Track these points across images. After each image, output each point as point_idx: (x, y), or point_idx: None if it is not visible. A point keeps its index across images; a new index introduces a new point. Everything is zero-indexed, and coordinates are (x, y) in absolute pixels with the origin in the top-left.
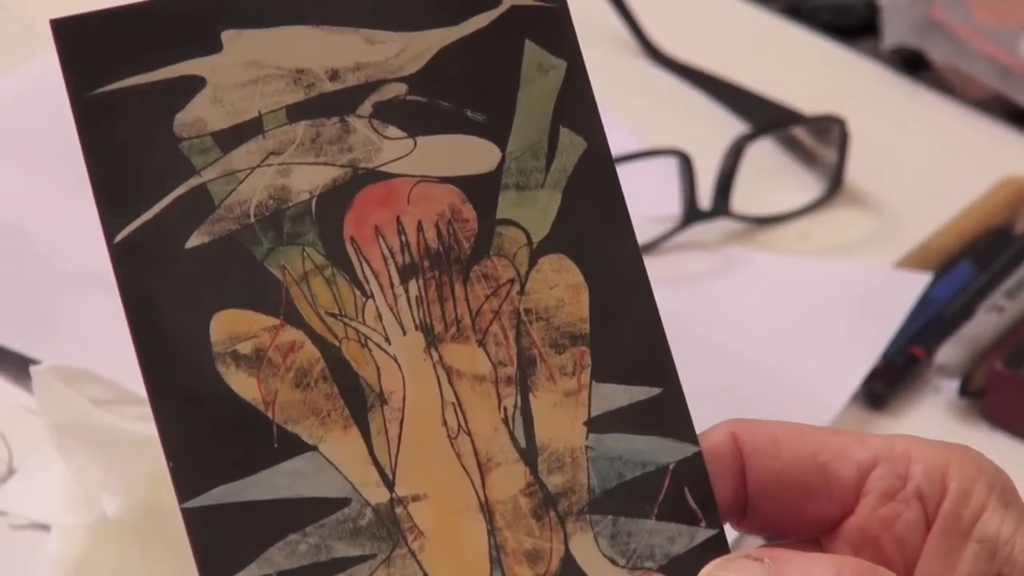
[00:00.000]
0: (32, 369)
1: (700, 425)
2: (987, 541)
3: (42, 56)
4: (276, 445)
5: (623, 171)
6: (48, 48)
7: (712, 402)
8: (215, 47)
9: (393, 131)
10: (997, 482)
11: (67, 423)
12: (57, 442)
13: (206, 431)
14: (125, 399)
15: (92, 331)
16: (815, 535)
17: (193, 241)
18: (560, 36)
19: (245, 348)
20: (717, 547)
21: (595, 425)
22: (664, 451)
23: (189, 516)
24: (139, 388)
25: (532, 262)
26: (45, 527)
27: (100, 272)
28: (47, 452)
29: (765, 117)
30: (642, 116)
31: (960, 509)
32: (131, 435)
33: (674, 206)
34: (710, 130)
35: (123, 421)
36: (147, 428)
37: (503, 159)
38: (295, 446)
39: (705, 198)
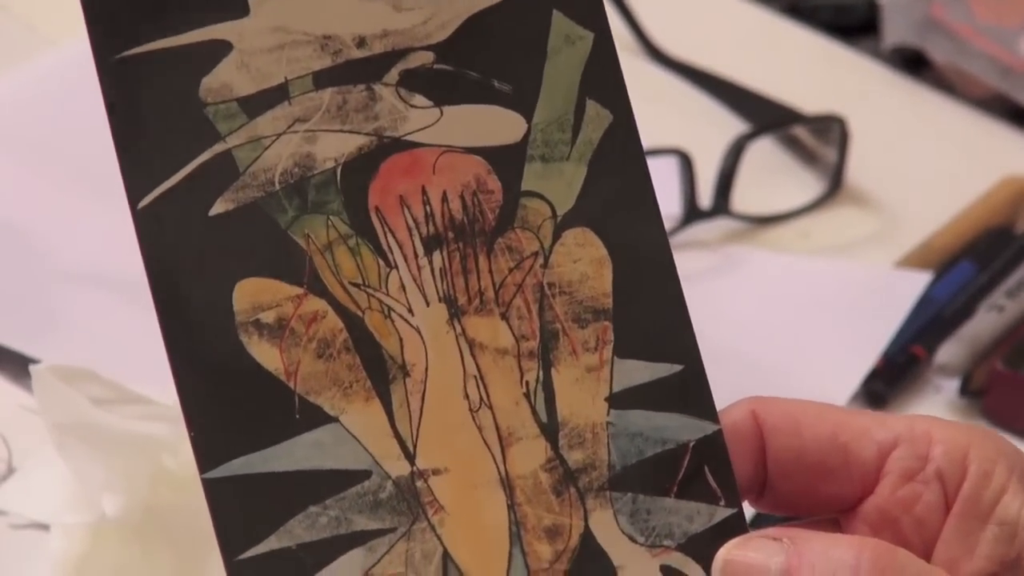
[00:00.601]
0: (32, 368)
1: None
2: (1007, 523)
3: (42, 56)
4: (298, 416)
5: None
6: (49, 48)
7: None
8: (243, 11)
9: (419, 100)
10: (1017, 464)
11: (67, 422)
12: (57, 441)
13: (227, 401)
14: (125, 398)
15: (92, 330)
16: (834, 515)
17: (217, 208)
18: (588, 7)
19: (268, 317)
20: (736, 526)
21: (616, 401)
22: (685, 429)
23: (209, 487)
24: (140, 387)
25: (556, 235)
26: (45, 526)
27: (100, 271)
28: (47, 451)
29: (765, 116)
30: (642, 115)
31: (980, 491)
32: (131, 434)
33: (674, 205)
34: (710, 129)
35: (123, 420)
36: (147, 427)
37: (529, 130)
38: (317, 417)
39: (705, 197)
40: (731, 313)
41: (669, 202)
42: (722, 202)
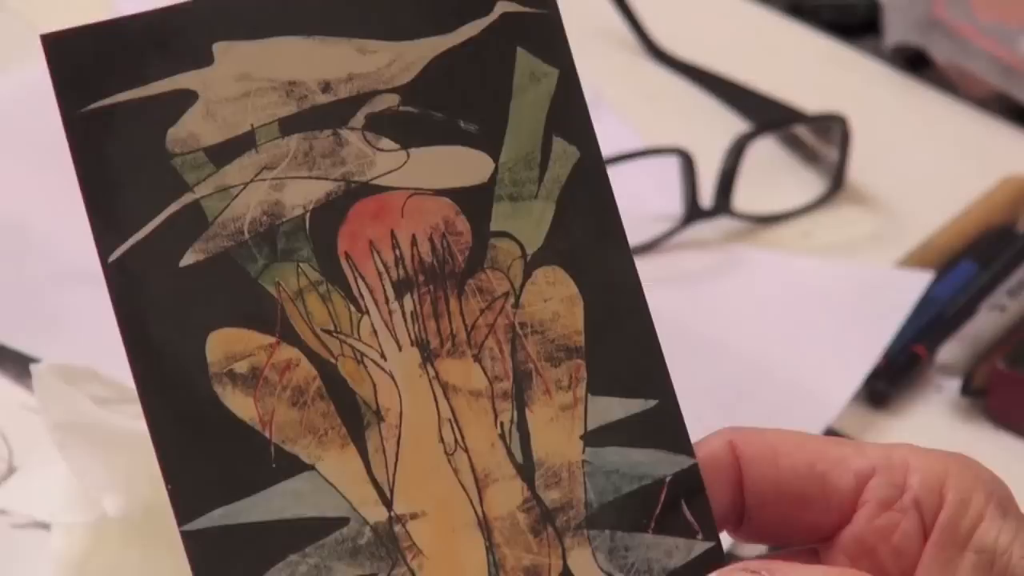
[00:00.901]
0: (33, 367)
1: (701, 424)
2: (985, 551)
3: (42, 55)
4: (274, 465)
5: (624, 170)
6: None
7: (713, 401)
8: (207, 60)
9: (386, 143)
10: (995, 491)
11: (68, 422)
12: (58, 441)
13: (204, 452)
14: (126, 398)
15: (93, 329)
16: (812, 544)
17: (187, 259)
18: (552, 43)
19: (241, 367)
20: (714, 560)
21: (591, 439)
22: (660, 464)
23: (189, 539)
24: None
25: (527, 274)
26: (46, 526)
27: (101, 271)
28: (48, 451)
29: (767, 115)
30: (643, 114)
31: (958, 519)
32: (132, 434)
33: (675, 205)
34: (711, 128)
35: (124, 420)
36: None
37: (496, 170)
38: (293, 466)
39: (706, 196)
40: (732, 312)
41: (670, 201)
42: (723, 201)
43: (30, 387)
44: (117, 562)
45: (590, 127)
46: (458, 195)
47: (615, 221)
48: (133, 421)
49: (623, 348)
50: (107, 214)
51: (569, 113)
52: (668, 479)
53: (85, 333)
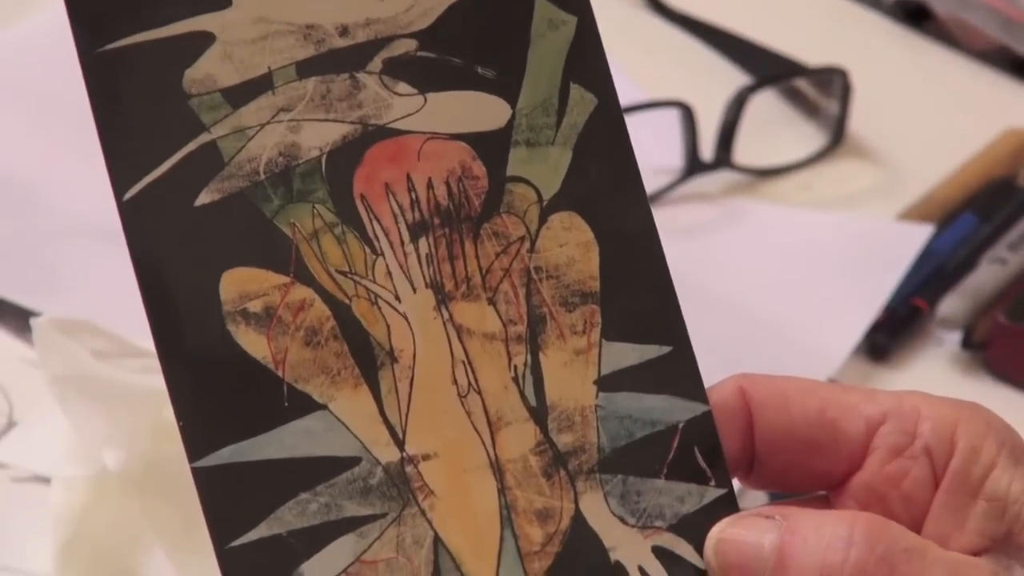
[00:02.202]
0: (33, 321)
1: (702, 375)
2: (996, 499)
3: (45, 8)
4: (286, 404)
5: (626, 122)
6: (52, 0)
7: (714, 354)
8: (225, 2)
9: (403, 87)
10: (1007, 440)
11: (68, 375)
12: (58, 394)
13: (216, 390)
14: (126, 351)
15: (93, 283)
16: (823, 491)
17: (202, 199)
18: None
19: (255, 306)
20: (727, 506)
21: (605, 384)
22: (674, 410)
23: (199, 476)
24: (141, 340)
25: (542, 219)
26: (46, 480)
27: (101, 224)
28: (48, 405)
29: (767, 68)
30: (644, 67)
31: (969, 466)
32: (132, 387)
33: (676, 158)
34: (712, 81)
35: (124, 373)
36: (148, 380)
37: (513, 116)
38: (305, 405)
39: (707, 150)
40: (733, 265)
41: (671, 154)
42: (724, 154)
43: (30, 341)
44: (117, 515)
45: (608, 75)
46: (475, 140)
47: (632, 167)
48: (133, 375)
49: (638, 294)
50: (122, 153)
51: (587, 60)
52: (681, 425)
53: (85, 287)
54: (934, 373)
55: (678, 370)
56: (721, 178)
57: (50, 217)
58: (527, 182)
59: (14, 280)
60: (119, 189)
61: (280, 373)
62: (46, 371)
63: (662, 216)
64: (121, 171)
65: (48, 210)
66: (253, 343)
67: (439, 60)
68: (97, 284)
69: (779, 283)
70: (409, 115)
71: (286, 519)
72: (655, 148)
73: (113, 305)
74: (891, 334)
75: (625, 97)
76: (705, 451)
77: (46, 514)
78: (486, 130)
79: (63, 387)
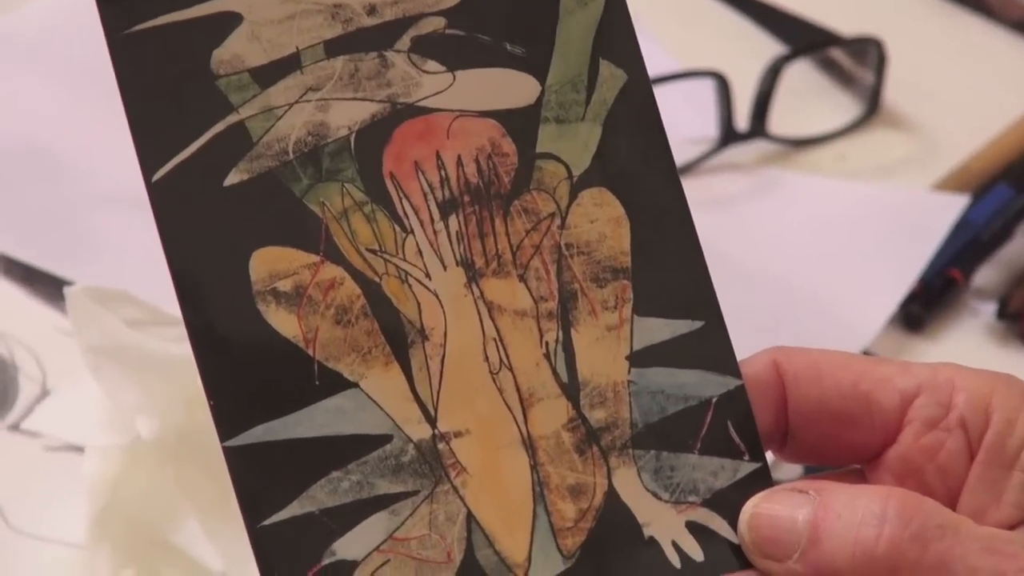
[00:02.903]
0: (66, 290)
1: (736, 349)
2: None
3: None
4: (317, 382)
5: (659, 92)
6: None
7: (748, 325)
8: None
9: (432, 65)
10: None
11: (101, 344)
12: (91, 363)
13: (247, 370)
14: (160, 320)
15: (127, 252)
16: (857, 464)
17: (231, 179)
18: None
19: (285, 285)
20: (761, 480)
21: (637, 359)
22: (707, 385)
23: (231, 455)
24: (174, 309)
25: (573, 196)
26: (79, 448)
27: (135, 193)
28: (81, 373)
29: (803, 38)
30: (679, 38)
31: (1004, 438)
32: (166, 356)
33: (711, 128)
34: (747, 51)
35: (158, 342)
36: (182, 349)
37: (543, 92)
38: (336, 383)
39: (742, 120)
40: (767, 236)
41: (705, 125)
42: (759, 124)
43: (63, 310)
44: (150, 484)
45: (637, 50)
46: (504, 117)
47: (662, 143)
48: (166, 344)
49: (670, 269)
50: (151, 135)
51: (616, 36)
52: (714, 400)
53: (119, 256)
54: (969, 344)
55: (711, 344)
56: (756, 148)
57: (83, 186)
58: (557, 159)
59: (48, 249)
60: (148, 170)
61: (311, 352)
62: (80, 340)
63: (696, 186)
64: (149, 153)
65: (81, 179)
66: (283, 322)
67: (468, 37)
68: (131, 253)
69: (814, 254)
70: (438, 93)
71: (318, 497)
72: (690, 118)
73: (146, 274)
74: (926, 305)
75: (660, 67)
76: (738, 425)
77: (79, 483)
78: (515, 107)
79: (97, 356)
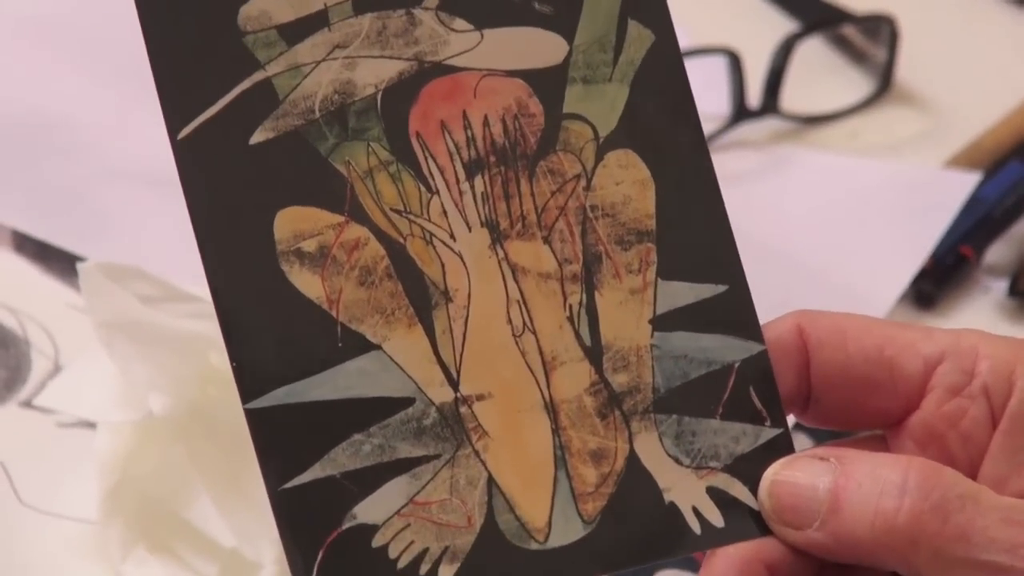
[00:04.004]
0: (79, 266)
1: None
2: None
3: None
4: (340, 344)
5: None
6: None
7: (760, 302)
8: None
9: (460, 23)
10: None
11: (114, 321)
12: (104, 339)
13: (269, 331)
14: (173, 296)
15: (140, 228)
16: (879, 429)
17: (257, 137)
18: None
19: (309, 246)
20: (782, 446)
21: (660, 323)
22: (729, 349)
23: (252, 417)
24: (187, 285)
25: (599, 157)
26: (92, 424)
27: (149, 169)
28: (94, 349)
29: (815, 15)
30: (691, 14)
31: None
32: (179, 333)
33: (723, 105)
34: (759, 28)
35: (171, 319)
36: (195, 326)
37: (570, 52)
38: (359, 345)
39: (754, 97)
40: (780, 213)
41: (718, 101)
42: (771, 102)
43: (76, 287)
44: (162, 461)
45: (666, 11)
46: (531, 76)
47: (689, 106)
48: (179, 320)
49: (694, 233)
50: (177, 92)
51: None
52: (737, 365)
53: (132, 232)
54: (981, 321)
55: (734, 309)
56: (768, 125)
57: (96, 162)
58: (583, 119)
59: (60, 225)
60: (173, 128)
61: (334, 313)
62: (92, 316)
63: None
64: (175, 110)
65: (94, 155)
66: (307, 283)
67: None
68: (144, 229)
69: (825, 231)
70: (465, 51)
71: (339, 460)
72: (702, 95)
73: (160, 250)
74: (937, 282)
75: None
76: (760, 391)
77: (92, 459)
78: (543, 67)
79: (109, 332)
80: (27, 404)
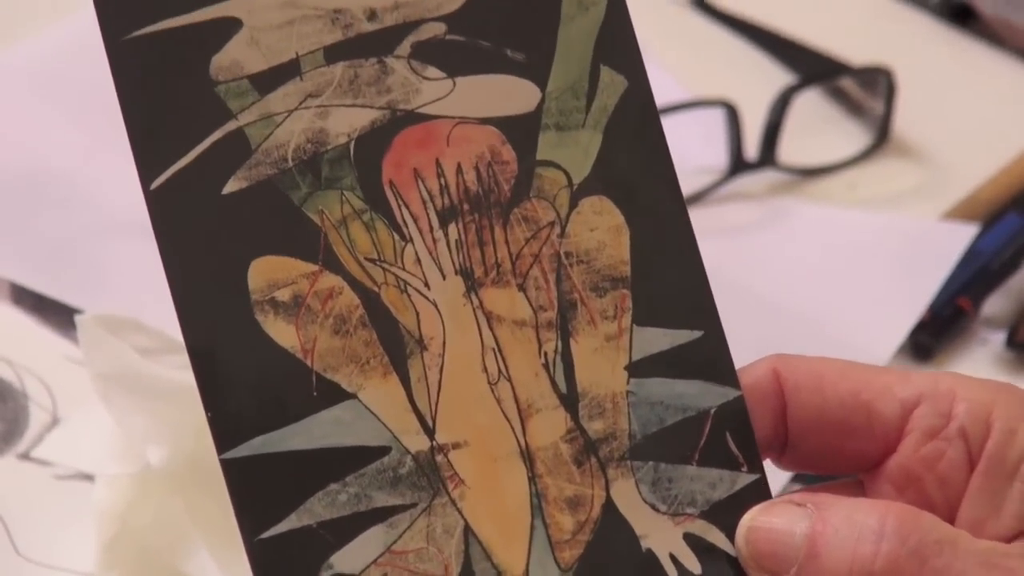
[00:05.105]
0: (77, 318)
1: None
2: None
3: (89, 4)
4: (315, 393)
5: (669, 122)
6: None
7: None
8: None
9: (432, 72)
10: None
11: (112, 372)
12: (101, 392)
13: (244, 380)
14: (171, 348)
15: (137, 279)
16: (857, 473)
17: (230, 187)
18: None
19: (283, 295)
20: (759, 492)
21: (636, 369)
22: (705, 395)
23: (228, 467)
24: None
25: (573, 204)
26: (89, 477)
27: (145, 221)
28: (91, 402)
29: (812, 67)
30: (688, 66)
31: (1005, 449)
32: (176, 384)
33: (720, 157)
34: (757, 80)
35: (168, 370)
36: (193, 377)
37: (543, 99)
38: (335, 394)
39: (752, 149)
40: (777, 265)
41: (715, 153)
42: (768, 154)
43: (74, 339)
44: (160, 513)
45: (638, 56)
46: (504, 124)
47: (663, 151)
48: (177, 371)
49: (669, 278)
50: (149, 142)
51: (617, 42)
52: (713, 411)
53: (129, 284)
54: (978, 373)
55: (710, 355)
56: (765, 177)
57: (93, 213)
58: (557, 166)
59: (58, 277)
60: (146, 178)
61: (309, 362)
62: (90, 368)
63: (706, 216)
64: (148, 160)
65: (91, 206)
66: (282, 332)
67: (468, 43)
68: (141, 280)
69: (823, 283)
70: (438, 99)
71: (316, 510)
72: (699, 147)
73: (157, 301)
74: (935, 334)
75: (669, 96)
76: (737, 436)
77: (89, 511)
78: (516, 114)
79: (107, 384)
80: (25, 456)
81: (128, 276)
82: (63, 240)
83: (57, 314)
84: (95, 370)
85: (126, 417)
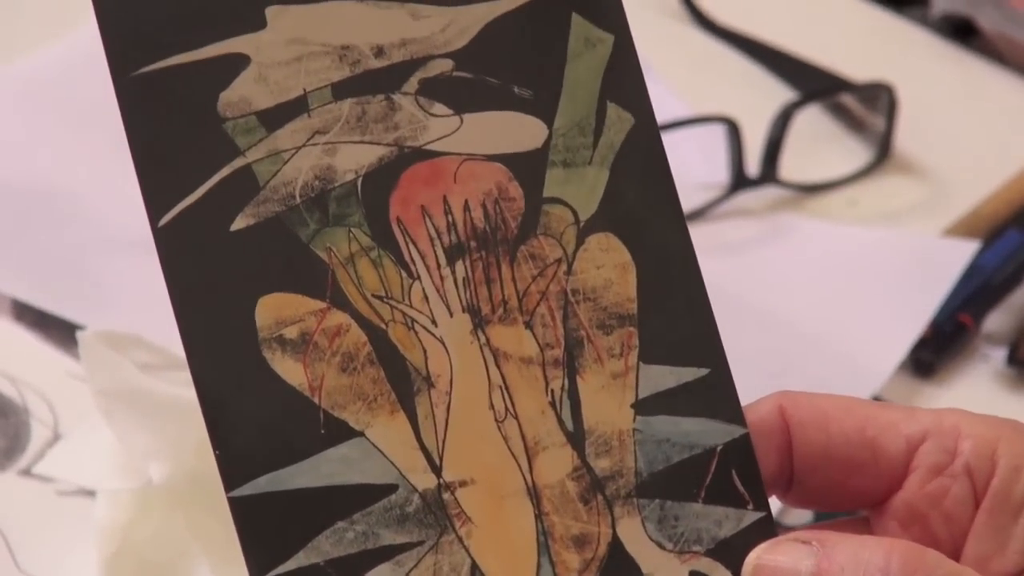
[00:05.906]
0: (79, 334)
1: (746, 394)
2: None
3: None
4: (323, 431)
5: (670, 138)
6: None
7: (759, 370)
8: (259, 24)
9: (439, 108)
10: None
11: (113, 389)
12: (103, 407)
13: (252, 418)
14: (172, 364)
15: (139, 296)
16: (862, 509)
17: (238, 224)
18: (607, 9)
19: (291, 332)
20: (765, 530)
21: (642, 407)
22: (712, 433)
23: (236, 505)
24: None
25: (579, 241)
26: (91, 493)
27: (147, 237)
28: (93, 418)
29: (813, 84)
30: (690, 83)
31: (1010, 485)
32: (178, 400)
33: (721, 173)
34: (758, 97)
35: (170, 386)
36: (194, 393)
37: (550, 136)
38: (342, 432)
39: (753, 165)
40: (778, 282)
41: (716, 170)
42: (770, 170)
43: (76, 355)
44: (162, 529)
45: (645, 93)
46: (511, 161)
47: (669, 188)
48: (179, 388)
49: (676, 316)
50: (157, 179)
51: (624, 79)
52: (719, 449)
53: (131, 300)
54: (979, 390)
55: (716, 392)
56: (766, 194)
57: (95, 230)
58: (564, 203)
59: (60, 294)
60: (154, 215)
61: (316, 400)
62: (92, 384)
63: (707, 232)
64: (156, 197)
65: (93, 223)
66: (289, 370)
67: (475, 80)
68: (143, 296)
69: (824, 299)
70: (445, 136)
71: (323, 548)
72: (700, 164)
73: (159, 317)
74: (936, 350)
75: (670, 113)
76: (743, 474)
77: (91, 528)
78: (523, 151)
79: (109, 400)
80: (26, 472)
81: (130, 292)
82: (65, 256)
83: (59, 330)
84: (97, 386)
85: (127, 433)
